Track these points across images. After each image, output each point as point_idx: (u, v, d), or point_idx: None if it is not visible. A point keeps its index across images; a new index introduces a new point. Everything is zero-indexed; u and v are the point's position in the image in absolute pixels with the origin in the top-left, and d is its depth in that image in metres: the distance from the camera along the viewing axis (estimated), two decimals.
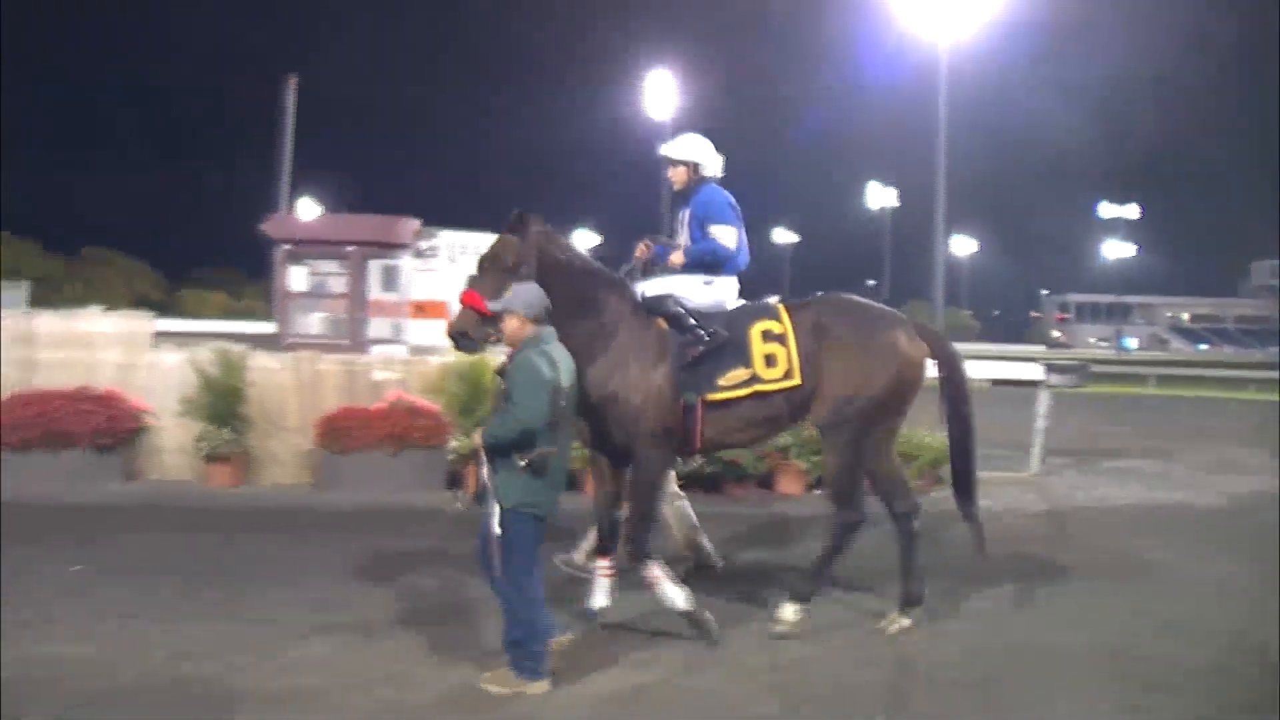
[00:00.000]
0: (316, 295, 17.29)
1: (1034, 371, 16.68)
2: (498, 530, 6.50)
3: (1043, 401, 16.01)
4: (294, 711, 6.44)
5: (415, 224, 18.22)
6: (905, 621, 8.00)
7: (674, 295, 7.90)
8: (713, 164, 8.39)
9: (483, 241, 26.65)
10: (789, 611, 7.81)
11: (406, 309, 18.33)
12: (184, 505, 12.29)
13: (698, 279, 8.05)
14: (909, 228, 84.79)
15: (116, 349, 14.03)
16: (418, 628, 7.83)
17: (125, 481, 13.27)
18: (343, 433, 13.00)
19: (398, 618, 8.10)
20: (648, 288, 8.02)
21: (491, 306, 7.04)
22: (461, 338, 7.46)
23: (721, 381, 7.68)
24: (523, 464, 6.46)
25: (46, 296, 48.84)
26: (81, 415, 13.09)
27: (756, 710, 6.57)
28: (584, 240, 29.88)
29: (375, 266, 17.52)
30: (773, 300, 8.40)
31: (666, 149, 8.41)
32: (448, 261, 24.25)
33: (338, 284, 17.24)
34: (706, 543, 9.53)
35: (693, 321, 7.75)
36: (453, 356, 13.94)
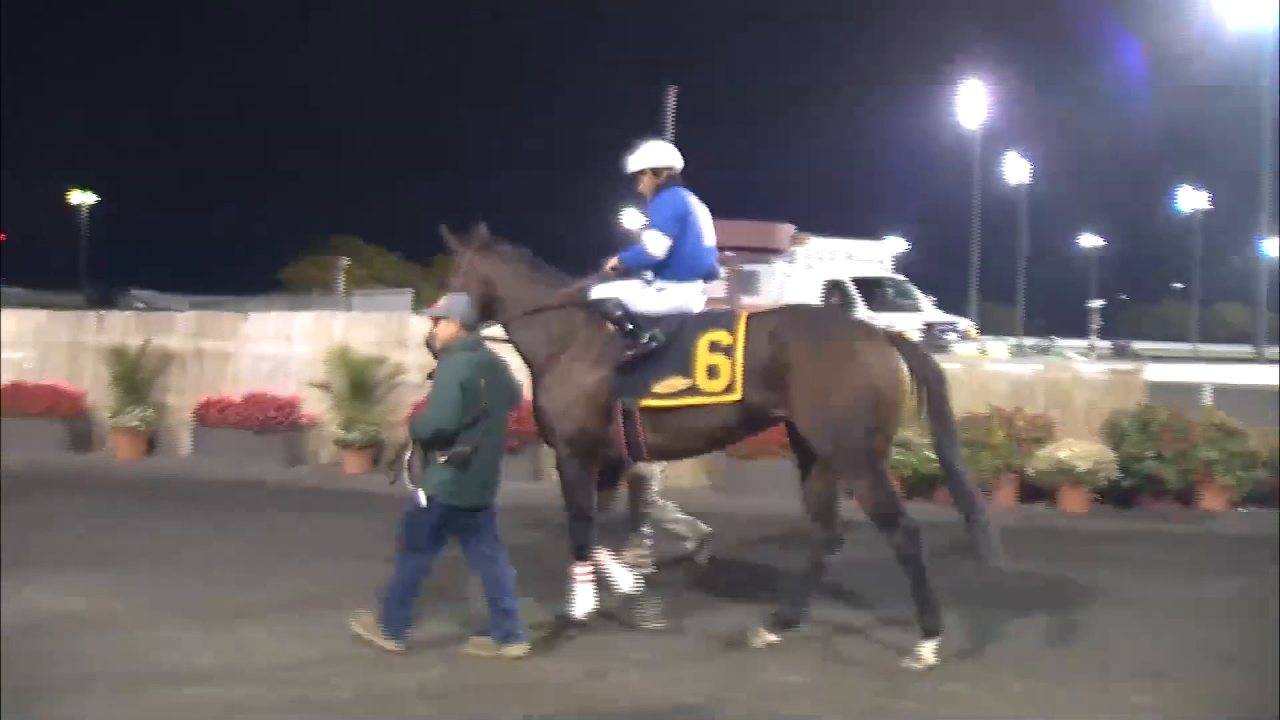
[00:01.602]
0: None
1: None
2: (423, 504, 6.72)
3: None
4: None
5: (790, 229, 17.47)
6: (772, 637, 7.21)
7: (618, 298, 7.46)
8: (670, 163, 7.88)
9: (846, 248, 25.87)
10: (928, 650, 6.80)
11: None
12: None
13: (654, 285, 7.61)
14: (1219, 231, 79.73)
15: None
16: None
17: (534, 480, 12.87)
18: (746, 439, 12.24)
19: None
20: (597, 291, 7.59)
21: (425, 313, 7.18)
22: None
23: (658, 388, 7.15)
24: (442, 460, 6.70)
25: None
26: None
27: None
28: (893, 246, 28.57)
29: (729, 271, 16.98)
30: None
31: (626, 167, 7.94)
32: (805, 268, 23.58)
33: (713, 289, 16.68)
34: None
35: (630, 325, 7.31)
36: None
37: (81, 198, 73.91)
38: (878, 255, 26.82)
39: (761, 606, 7.71)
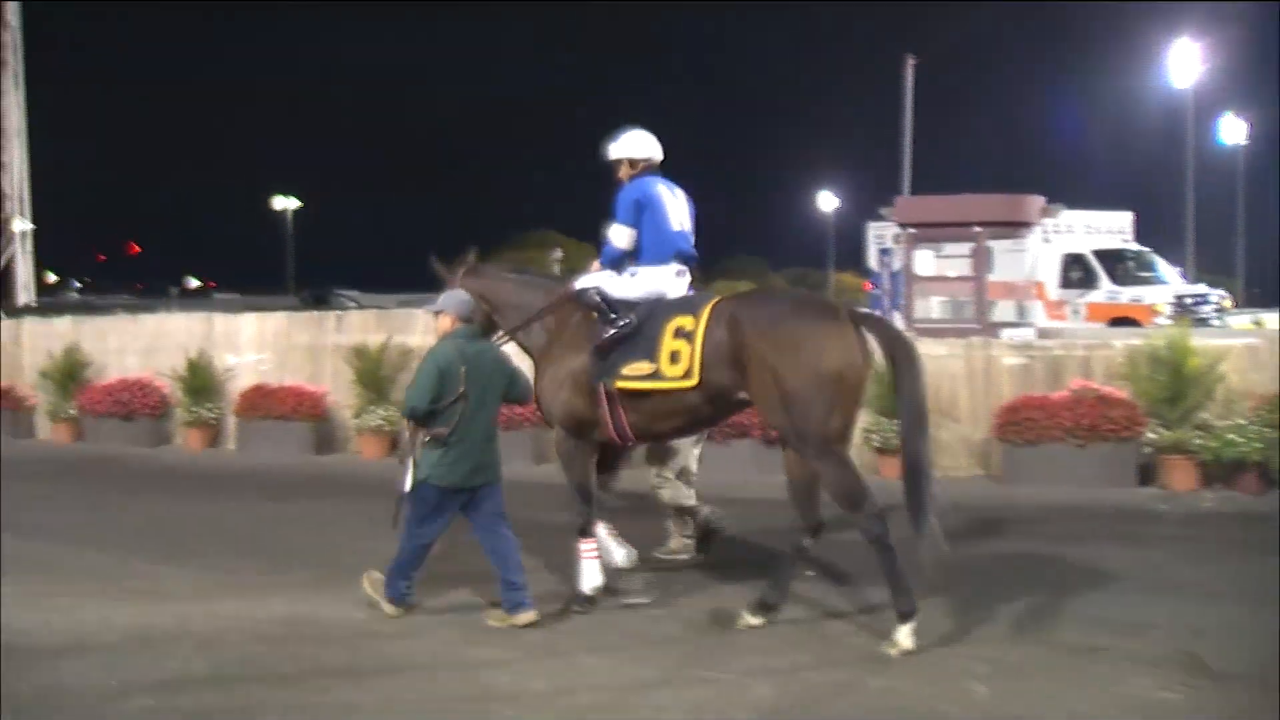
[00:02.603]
0: (940, 279, 16.10)
1: None
2: (407, 489, 7.23)
3: None
4: None
5: (1040, 201, 16.58)
6: (755, 620, 7.19)
7: (598, 287, 7.81)
8: (649, 154, 8.10)
9: (1084, 219, 24.58)
10: (904, 635, 6.66)
11: (1032, 290, 16.91)
12: None
13: (626, 271, 7.93)
14: None
15: None
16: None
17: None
18: (1025, 423, 11.62)
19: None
20: (580, 283, 7.98)
21: (426, 309, 8.24)
22: None
23: (626, 371, 7.42)
24: (425, 439, 7.15)
25: None
26: None
27: None
28: (1109, 219, 26.61)
29: (962, 247, 16.31)
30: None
31: (606, 154, 8.20)
32: (1042, 241, 22.47)
33: (954, 266, 16.06)
34: (704, 512, 8.84)
35: (605, 311, 7.62)
36: (1139, 339, 12.26)
37: (284, 203, 76.08)
38: (1117, 226, 25.49)
39: (1091, 608, 7.34)
